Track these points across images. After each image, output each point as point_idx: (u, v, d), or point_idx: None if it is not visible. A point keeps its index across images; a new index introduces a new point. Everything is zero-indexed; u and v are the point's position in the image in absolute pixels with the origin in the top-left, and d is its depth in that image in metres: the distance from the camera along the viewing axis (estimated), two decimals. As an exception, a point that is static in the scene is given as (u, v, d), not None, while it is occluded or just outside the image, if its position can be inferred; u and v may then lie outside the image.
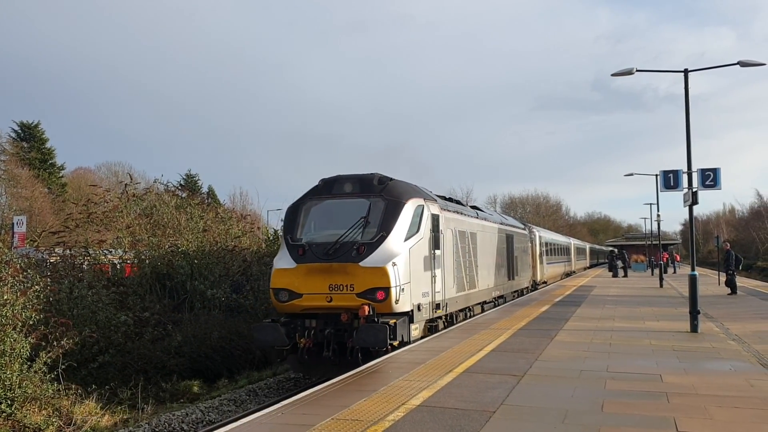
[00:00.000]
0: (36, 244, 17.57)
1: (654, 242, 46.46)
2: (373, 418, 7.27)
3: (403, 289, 12.90)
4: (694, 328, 14.35)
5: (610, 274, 45.75)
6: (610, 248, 70.08)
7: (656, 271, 40.44)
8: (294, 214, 14.09)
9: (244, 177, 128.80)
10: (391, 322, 12.41)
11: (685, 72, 15.38)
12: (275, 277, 13.31)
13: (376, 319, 12.44)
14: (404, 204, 13.58)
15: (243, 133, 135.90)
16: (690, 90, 15.30)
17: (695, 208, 15.29)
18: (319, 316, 12.95)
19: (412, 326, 13.41)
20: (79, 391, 12.66)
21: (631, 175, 38.88)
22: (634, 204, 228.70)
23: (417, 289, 13.63)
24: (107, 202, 19.92)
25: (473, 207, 22.77)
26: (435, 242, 14.71)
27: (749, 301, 22.17)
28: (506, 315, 18.40)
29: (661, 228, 38.44)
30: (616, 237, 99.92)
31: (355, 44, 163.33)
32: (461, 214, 18.13)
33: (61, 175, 58.84)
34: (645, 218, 64.50)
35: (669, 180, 15.29)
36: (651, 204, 47.15)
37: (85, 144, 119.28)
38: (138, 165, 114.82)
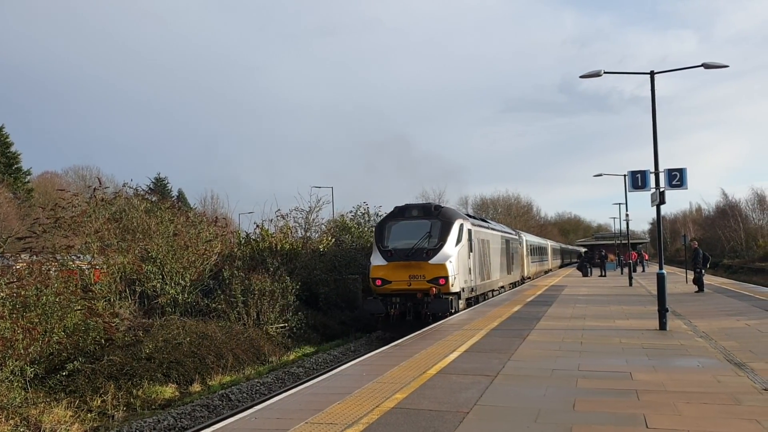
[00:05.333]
0: (1, 250, 17.17)
1: (623, 241, 47.06)
2: (347, 422, 7.27)
3: (455, 277, 20.09)
4: (662, 326, 14.56)
5: (580, 273, 46.16)
6: (584, 249, 71.18)
7: (626, 269, 40.94)
8: (381, 229, 21.30)
9: (215, 180, 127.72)
10: (450, 298, 19.66)
11: (651, 74, 15.59)
12: (373, 271, 20.42)
13: (441, 296, 19.49)
14: (453, 223, 20.83)
15: (214, 136, 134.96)
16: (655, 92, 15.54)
17: (663, 207, 15.52)
18: (401, 295, 19.90)
19: (460, 301, 20.71)
20: (48, 399, 12.47)
21: (600, 175, 39.25)
22: (604, 204, 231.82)
23: (462, 278, 20.92)
24: (75, 207, 19.59)
25: (482, 219, 30.55)
26: (470, 247, 22.20)
27: (716, 299, 22.54)
28: (479, 315, 18.52)
29: (630, 227, 38.99)
30: (586, 237, 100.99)
31: (325, 48, 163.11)
32: (481, 227, 25.65)
33: (27, 180, 57.74)
34: (614, 218, 65.43)
35: (637, 180, 15.49)
36: (620, 204, 48.04)
37: (52, 148, 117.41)
38: (106, 169, 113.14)
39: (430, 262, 19.72)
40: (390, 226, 21.10)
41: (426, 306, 19.43)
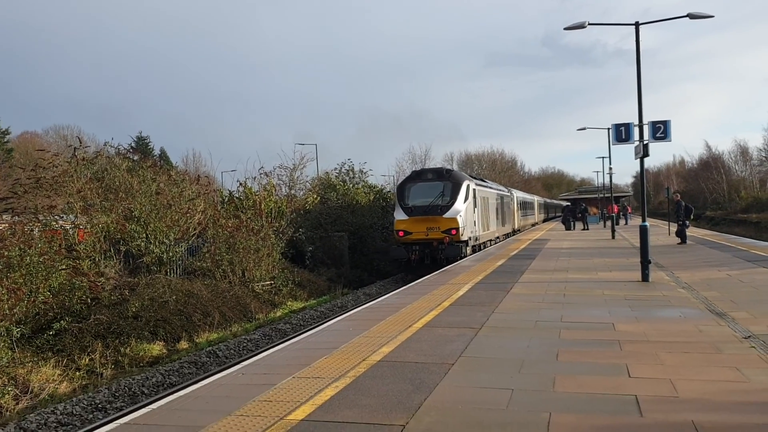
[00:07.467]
0: (-17, 211, 16.97)
1: (606, 195, 47.34)
2: (334, 375, 7.33)
3: (464, 228, 24.49)
4: (645, 278, 14.72)
5: (563, 227, 46.48)
6: (566, 203, 71.99)
7: (608, 223, 41.27)
8: (402, 189, 26.04)
9: (197, 138, 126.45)
10: (460, 245, 24.03)
11: (636, 25, 15.47)
12: (397, 224, 24.94)
13: (453, 244, 23.89)
14: (461, 184, 25.35)
15: (194, 93, 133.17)
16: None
17: (646, 160, 15.55)
18: (420, 244, 24.37)
19: (467, 248, 25.07)
20: (36, 358, 12.49)
21: (584, 129, 39.33)
22: (587, 157, 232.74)
23: (469, 229, 25.39)
24: (56, 167, 19.33)
25: (480, 178, 35.26)
26: (474, 204, 26.71)
27: (698, 250, 22.79)
28: (464, 270, 18.63)
29: (614, 180, 39.15)
30: (570, 191, 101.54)
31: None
32: (482, 187, 30.24)
33: (6, 140, 56.87)
34: (598, 171, 65.78)
35: (621, 133, 15.48)
36: (603, 157, 47.96)
37: (31, 107, 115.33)
38: (87, 128, 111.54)
39: (443, 216, 24.17)
40: (409, 187, 25.75)
41: (441, 252, 23.75)
